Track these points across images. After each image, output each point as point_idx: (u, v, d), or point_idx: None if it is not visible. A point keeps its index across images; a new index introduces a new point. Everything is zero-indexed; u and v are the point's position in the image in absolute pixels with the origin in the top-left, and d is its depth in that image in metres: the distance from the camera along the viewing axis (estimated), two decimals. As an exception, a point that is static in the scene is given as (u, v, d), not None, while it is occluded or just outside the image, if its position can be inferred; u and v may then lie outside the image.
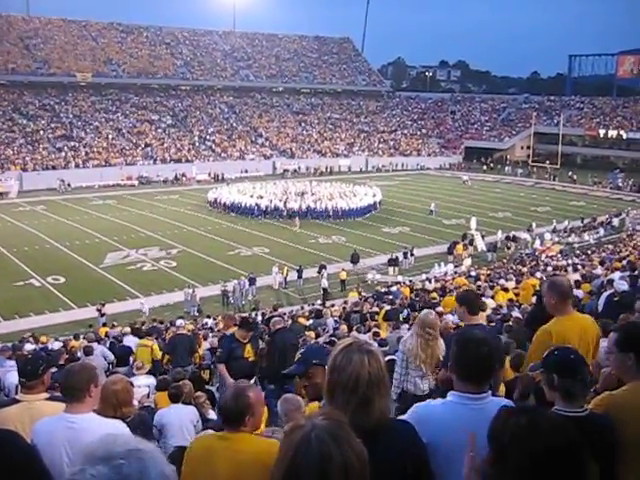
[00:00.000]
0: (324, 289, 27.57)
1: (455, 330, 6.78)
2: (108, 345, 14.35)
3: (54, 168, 56.05)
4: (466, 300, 5.80)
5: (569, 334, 4.65)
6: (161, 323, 19.41)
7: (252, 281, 27.54)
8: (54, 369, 6.37)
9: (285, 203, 43.55)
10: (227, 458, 3.05)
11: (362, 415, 2.36)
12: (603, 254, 27.15)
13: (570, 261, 25.42)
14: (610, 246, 32.78)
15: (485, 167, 74.00)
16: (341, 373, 2.43)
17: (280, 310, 21.14)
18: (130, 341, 13.94)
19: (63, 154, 58.94)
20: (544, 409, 2.02)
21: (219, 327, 17.56)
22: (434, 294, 19.87)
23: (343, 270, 29.31)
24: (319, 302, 24.86)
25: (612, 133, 74.46)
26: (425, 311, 7.09)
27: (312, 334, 14.12)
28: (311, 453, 1.70)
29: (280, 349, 8.66)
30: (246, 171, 64.43)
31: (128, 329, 16.43)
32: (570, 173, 64.89)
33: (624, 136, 73.47)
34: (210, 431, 3.52)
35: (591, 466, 1.95)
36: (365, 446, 2.25)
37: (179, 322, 14.26)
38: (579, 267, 21.16)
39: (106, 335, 17.38)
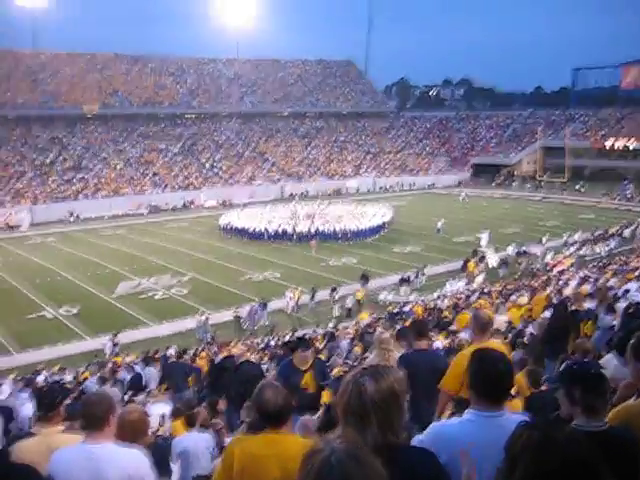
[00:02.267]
0: (348, 309, 27.69)
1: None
2: (123, 375, 14.35)
3: (64, 200, 56.50)
4: (413, 327, 7.11)
5: None
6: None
7: (264, 306, 27.50)
8: (68, 401, 6.37)
9: (294, 227, 43.62)
10: (279, 467, 3.05)
11: (363, 437, 2.35)
12: (615, 266, 26.99)
13: (582, 274, 25.25)
14: (622, 257, 32.60)
15: (494, 183, 74.06)
16: (346, 393, 2.45)
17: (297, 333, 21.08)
18: (141, 369, 13.93)
19: (72, 186, 59.37)
20: (561, 424, 2.00)
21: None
22: (446, 312, 19.79)
23: (359, 291, 29.34)
24: (331, 325, 24.77)
25: (619, 144, 74.32)
26: (379, 330, 8.31)
27: (323, 357, 14.06)
28: (334, 476, 1.69)
29: (244, 380, 8.86)
30: (253, 196, 64.71)
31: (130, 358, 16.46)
32: (578, 186, 64.75)
33: (631, 147, 73.32)
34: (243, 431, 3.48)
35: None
36: None
37: (169, 352, 14.38)
38: (591, 279, 21.02)
39: (119, 365, 17.37)
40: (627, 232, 42.03)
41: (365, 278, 30.83)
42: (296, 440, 3.17)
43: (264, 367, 14.75)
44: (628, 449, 2.74)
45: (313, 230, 42.64)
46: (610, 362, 5.89)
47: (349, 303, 28.03)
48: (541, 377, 7.08)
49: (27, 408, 7.83)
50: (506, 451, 1.99)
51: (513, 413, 2.94)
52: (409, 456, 2.47)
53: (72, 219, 53.20)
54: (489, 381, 2.84)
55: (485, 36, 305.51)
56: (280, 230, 43.61)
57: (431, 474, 2.47)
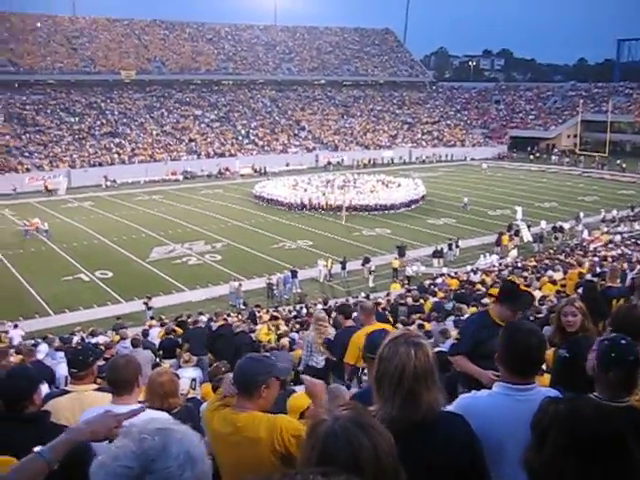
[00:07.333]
0: (408, 277, 27.91)
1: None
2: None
3: (101, 165, 57.12)
4: (339, 310, 8.02)
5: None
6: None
7: (294, 274, 27.57)
8: (102, 362, 6.48)
9: (328, 196, 43.50)
10: (234, 447, 3.09)
11: (409, 408, 2.36)
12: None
13: (619, 251, 24.83)
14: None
15: (531, 157, 72.80)
16: (387, 365, 2.43)
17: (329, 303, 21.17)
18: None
19: (109, 151, 59.97)
20: (587, 398, 1.97)
21: (263, 319, 17.66)
22: (479, 285, 19.66)
23: (395, 259, 29.48)
24: (363, 294, 24.81)
25: (664, 119, 72.46)
26: (318, 308, 10.36)
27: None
28: (340, 444, 1.68)
29: (237, 347, 10.53)
30: (288, 164, 64.69)
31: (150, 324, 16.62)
32: (619, 161, 63.36)
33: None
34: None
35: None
36: (415, 438, 2.24)
37: (201, 317, 14.68)
38: (629, 256, 20.67)
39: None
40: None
41: (402, 250, 30.69)
42: (257, 420, 3.04)
43: (295, 336, 14.84)
44: None
45: (348, 200, 42.48)
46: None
47: (409, 271, 28.54)
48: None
49: (63, 367, 7.99)
50: (533, 427, 1.97)
51: (544, 388, 2.90)
52: (446, 421, 2.48)
53: (108, 183, 53.74)
54: (520, 354, 2.80)
55: (526, 5, 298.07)
56: (315, 199, 43.61)
57: (466, 440, 2.47)
